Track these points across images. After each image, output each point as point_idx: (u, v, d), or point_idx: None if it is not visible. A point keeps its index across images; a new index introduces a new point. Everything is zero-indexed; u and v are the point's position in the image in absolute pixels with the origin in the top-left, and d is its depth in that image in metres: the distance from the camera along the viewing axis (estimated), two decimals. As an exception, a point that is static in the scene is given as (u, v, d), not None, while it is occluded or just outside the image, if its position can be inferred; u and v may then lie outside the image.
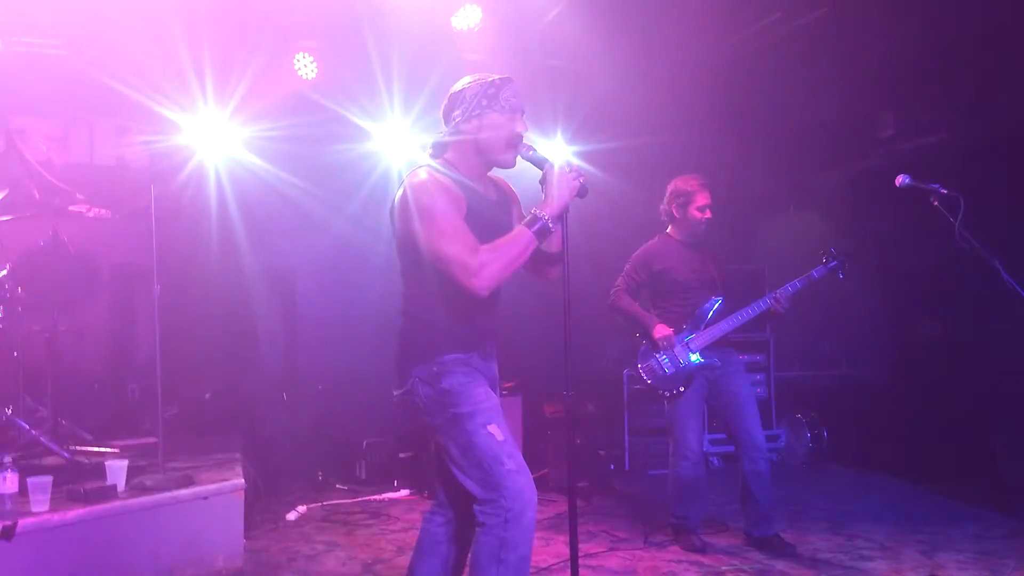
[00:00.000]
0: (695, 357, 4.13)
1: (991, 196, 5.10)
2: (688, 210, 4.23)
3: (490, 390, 2.55)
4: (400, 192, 2.53)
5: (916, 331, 6.62)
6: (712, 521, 4.64)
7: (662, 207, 4.36)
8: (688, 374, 4.13)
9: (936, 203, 3.16)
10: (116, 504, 3.50)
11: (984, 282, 3.18)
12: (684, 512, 4.23)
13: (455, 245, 2.37)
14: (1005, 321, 4.52)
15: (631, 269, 4.35)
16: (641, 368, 4.22)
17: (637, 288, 4.34)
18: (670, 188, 4.31)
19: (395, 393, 2.60)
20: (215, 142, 5.77)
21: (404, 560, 4.02)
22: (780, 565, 3.90)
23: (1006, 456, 4.73)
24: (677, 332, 4.16)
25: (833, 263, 4.10)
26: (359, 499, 5.44)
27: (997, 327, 4.79)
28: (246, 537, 4.04)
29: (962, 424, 5.45)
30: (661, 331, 4.13)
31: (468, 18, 5.13)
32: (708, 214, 4.22)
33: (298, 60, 5.41)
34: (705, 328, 4.16)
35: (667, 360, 4.15)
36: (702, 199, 4.20)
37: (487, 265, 2.35)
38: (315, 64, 5.43)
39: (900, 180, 3.22)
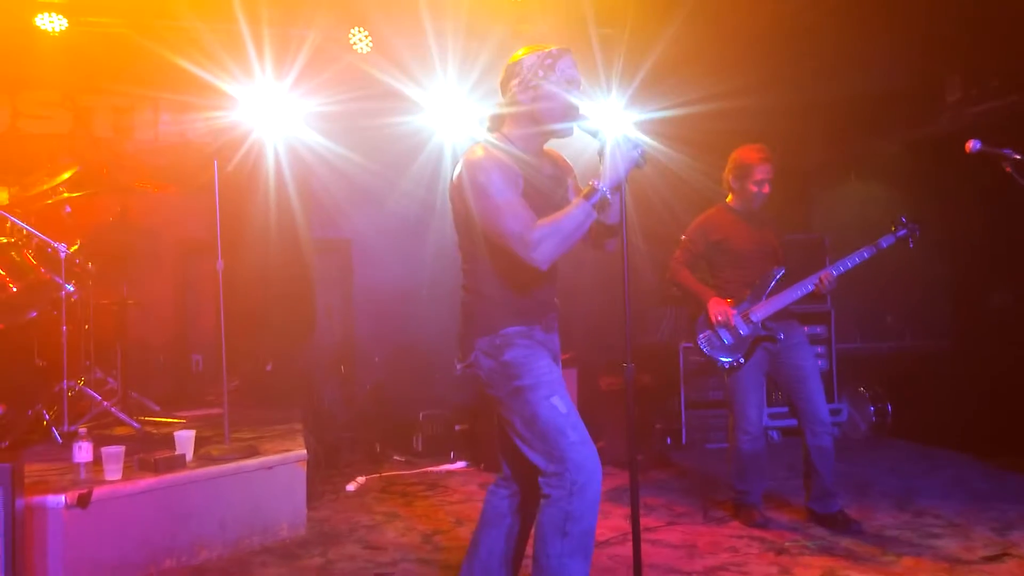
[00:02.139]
0: (755, 329, 4.06)
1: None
2: (746, 183, 4.13)
3: (552, 362, 2.56)
4: (458, 170, 2.53)
5: (984, 301, 6.41)
6: (773, 496, 4.57)
7: (724, 175, 4.28)
8: (748, 346, 4.06)
9: (1009, 169, 3.04)
10: (185, 473, 3.61)
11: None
12: (745, 487, 4.18)
13: (513, 220, 2.38)
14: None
15: (688, 240, 4.28)
16: (700, 340, 4.15)
17: (696, 259, 4.27)
18: (731, 158, 4.21)
19: (458, 366, 2.62)
20: (274, 117, 5.83)
21: (463, 531, 4.08)
22: (845, 542, 3.82)
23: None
24: (738, 303, 4.09)
25: (903, 232, 3.98)
26: (416, 471, 5.52)
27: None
28: (308, 507, 4.13)
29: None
30: (716, 305, 4.06)
31: (523, -12, 5.06)
32: (766, 189, 4.11)
33: (353, 34, 5.42)
34: (766, 299, 4.08)
35: (726, 332, 4.08)
36: (760, 173, 4.09)
37: (545, 239, 2.35)
38: (370, 38, 5.43)
39: (971, 146, 3.08)
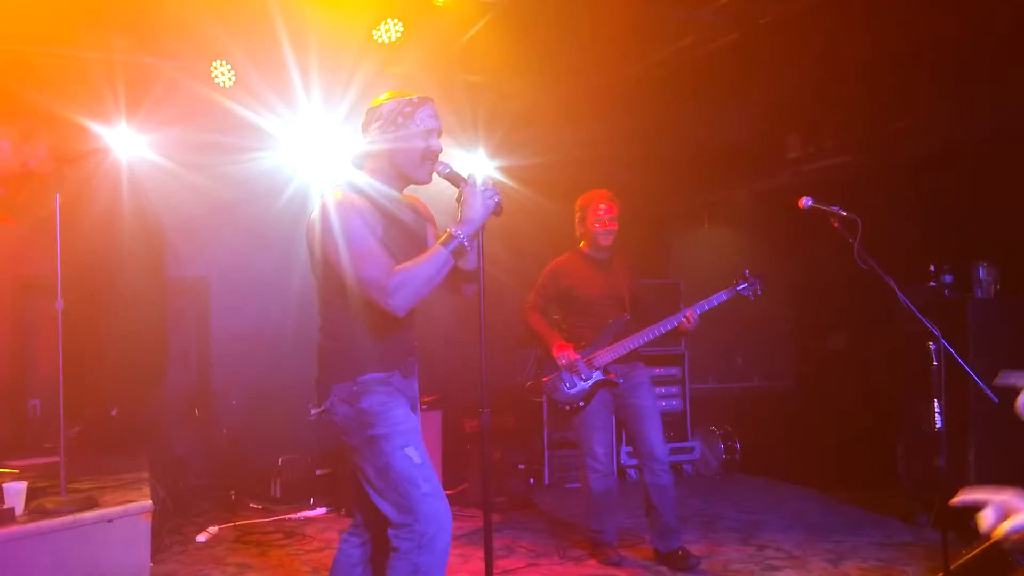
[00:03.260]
0: (596, 373, 4.18)
1: (892, 215, 5.40)
2: (587, 221, 4.28)
3: (409, 411, 2.55)
4: (317, 211, 2.51)
5: (821, 344, 6.89)
6: (631, 534, 4.70)
7: (575, 225, 4.42)
8: (589, 389, 4.18)
9: (836, 225, 3.29)
10: (13, 529, 3.34)
11: (882, 297, 3.35)
12: (599, 525, 4.27)
13: (371, 266, 2.38)
14: (901, 335, 4.78)
15: (541, 285, 4.38)
16: (544, 383, 4.25)
17: (548, 303, 4.37)
18: (575, 205, 4.37)
19: (313, 411, 2.57)
20: (126, 149, 5.58)
21: (319, 580, 3.96)
22: (692, 577, 3.97)
23: (905, 465, 4.96)
24: (583, 348, 4.21)
25: (743, 285, 4.14)
26: (274, 518, 5.32)
27: (895, 340, 5.03)
28: (153, 561, 3.90)
29: (866, 434, 5.69)
30: (559, 351, 4.16)
31: (389, 32, 5.09)
32: (607, 224, 4.22)
33: (215, 67, 5.28)
34: (610, 344, 4.20)
35: (569, 376, 4.18)
36: (600, 210, 4.22)
37: (403, 286, 2.36)
38: (232, 72, 5.30)
39: (803, 202, 3.33)
